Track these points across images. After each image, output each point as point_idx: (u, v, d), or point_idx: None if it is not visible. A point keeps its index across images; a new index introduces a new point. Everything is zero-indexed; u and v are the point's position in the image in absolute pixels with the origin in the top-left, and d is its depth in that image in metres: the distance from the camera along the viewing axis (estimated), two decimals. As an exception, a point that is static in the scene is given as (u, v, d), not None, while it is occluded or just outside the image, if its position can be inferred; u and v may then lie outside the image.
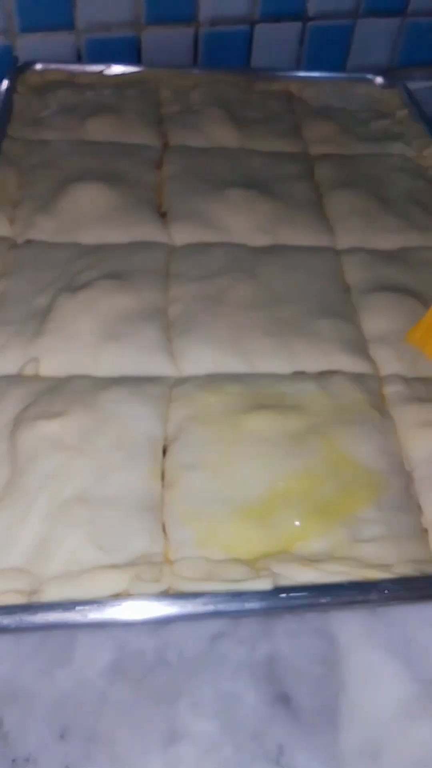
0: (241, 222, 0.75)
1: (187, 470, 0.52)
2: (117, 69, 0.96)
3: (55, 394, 0.56)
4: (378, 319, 0.66)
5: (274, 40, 1.05)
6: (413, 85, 1.02)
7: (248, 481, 0.52)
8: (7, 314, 0.63)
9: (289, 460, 0.53)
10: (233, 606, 0.44)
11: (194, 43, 1.02)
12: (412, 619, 0.50)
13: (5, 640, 0.47)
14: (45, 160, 0.81)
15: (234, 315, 0.64)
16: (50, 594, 0.44)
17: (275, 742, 0.44)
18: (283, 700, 0.46)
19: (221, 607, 0.44)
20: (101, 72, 0.96)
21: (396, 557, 0.48)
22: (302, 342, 0.63)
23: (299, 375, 0.61)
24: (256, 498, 0.51)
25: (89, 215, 0.74)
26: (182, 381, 0.59)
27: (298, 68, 1.08)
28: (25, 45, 0.96)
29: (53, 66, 0.96)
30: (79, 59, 0.99)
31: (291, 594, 0.45)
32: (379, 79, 1.02)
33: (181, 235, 0.74)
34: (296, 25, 1.04)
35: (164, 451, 0.54)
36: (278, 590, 0.45)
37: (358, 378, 0.61)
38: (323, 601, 0.45)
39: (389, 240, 0.76)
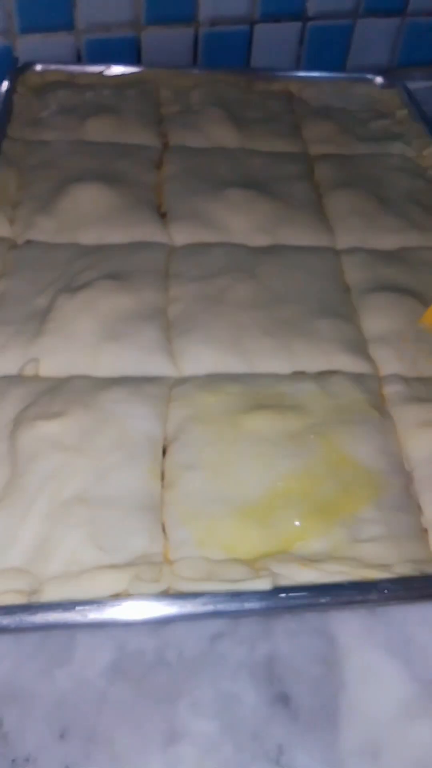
0: (241, 222, 0.75)
1: (186, 470, 0.52)
2: (117, 69, 0.96)
3: (55, 394, 0.56)
4: (378, 319, 0.66)
5: (273, 40, 1.05)
6: (413, 85, 1.01)
7: (248, 481, 0.52)
8: (7, 314, 0.63)
9: (289, 460, 0.53)
10: (233, 606, 0.44)
11: (194, 43, 1.02)
12: (412, 619, 0.50)
13: (5, 640, 0.47)
14: (45, 161, 0.81)
15: (234, 315, 0.64)
16: (50, 594, 0.44)
17: (275, 741, 0.44)
18: (283, 699, 0.46)
19: (221, 607, 0.44)
20: (101, 72, 0.96)
21: (396, 557, 0.48)
22: (302, 342, 0.63)
23: (299, 375, 0.61)
24: (255, 498, 0.51)
25: (89, 215, 0.74)
26: (182, 381, 0.59)
27: (298, 68, 1.08)
28: (25, 45, 0.96)
29: (53, 66, 0.96)
30: (78, 60, 0.99)
31: (290, 594, 0.45)
32: (378, 79, 1.02)
33: (181, 235, 0.74)
34: (296, 25, 1.04)
35: (164, 451, 0.54)
36: (278, 590, 0.45)
37: (357, 378, 0.61)
38: (323, 601, 0.45)
39: (389, 240, 0.76)
